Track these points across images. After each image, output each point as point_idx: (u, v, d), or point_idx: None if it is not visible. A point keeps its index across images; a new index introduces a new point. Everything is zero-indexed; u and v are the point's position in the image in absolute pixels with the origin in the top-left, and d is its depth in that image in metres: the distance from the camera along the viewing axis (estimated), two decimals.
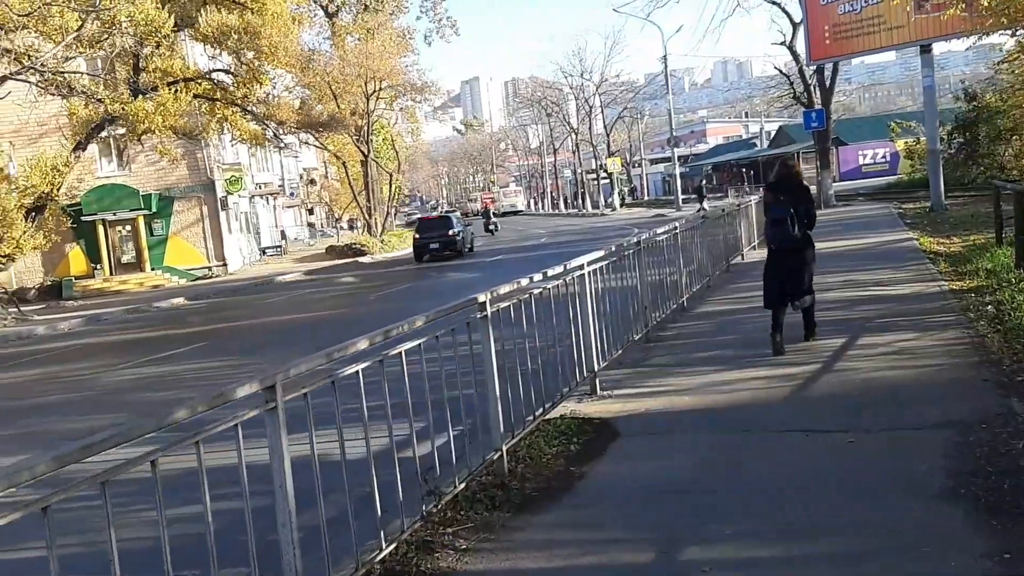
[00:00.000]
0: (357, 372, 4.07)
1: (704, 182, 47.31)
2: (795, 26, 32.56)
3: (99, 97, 23.70)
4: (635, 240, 9.23)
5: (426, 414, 4.74)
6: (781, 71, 36.54)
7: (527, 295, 6.17)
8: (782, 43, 33.97)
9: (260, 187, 46.73)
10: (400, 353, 4.44)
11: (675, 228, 11.16)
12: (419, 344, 4.64)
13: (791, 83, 35.46)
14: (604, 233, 34.85)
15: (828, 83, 32.49)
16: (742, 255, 16.35)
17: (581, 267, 7.37)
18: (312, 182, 64.64)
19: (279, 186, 53.17)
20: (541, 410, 6.18)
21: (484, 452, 5.29)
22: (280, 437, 3.42)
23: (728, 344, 8.83)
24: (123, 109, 23.58)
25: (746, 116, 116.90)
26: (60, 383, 12.76)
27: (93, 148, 33.78)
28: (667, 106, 52.15)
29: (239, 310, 21.87)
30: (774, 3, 33.64)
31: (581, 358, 7.16)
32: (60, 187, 25.69)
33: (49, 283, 33.78)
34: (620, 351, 8.25)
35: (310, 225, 66.83)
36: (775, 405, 6.43)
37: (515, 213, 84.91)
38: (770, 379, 7.17)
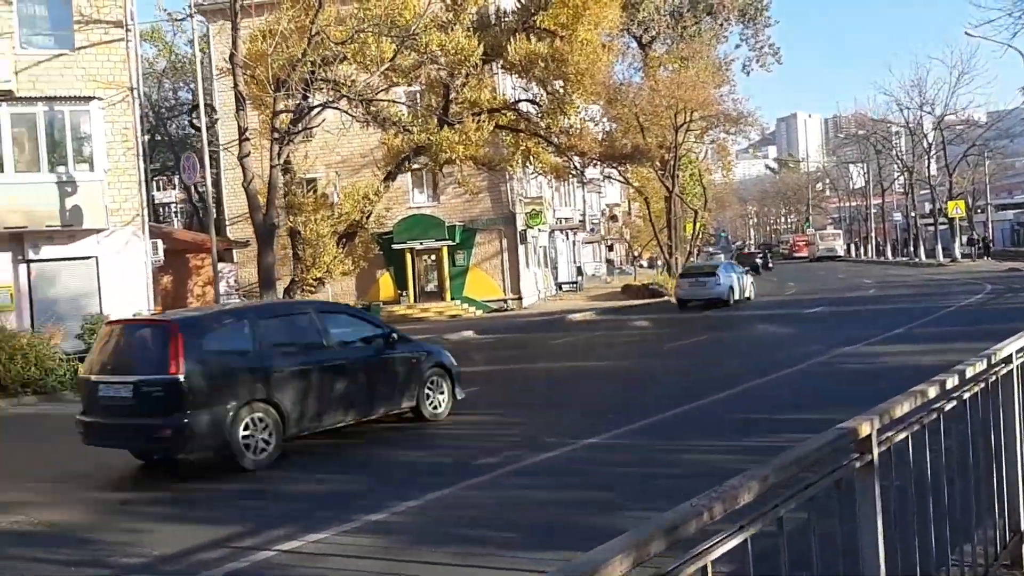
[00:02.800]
0: None
1: None
2: None
3: (408, 127, 23.86)
4: None
5: None
6: None
7: (934, 415, 3.45)
8: None
9: (561, 222, 46.29)
10: (705, 568, 2.03)
11: None
12: (744, 541, 2.18)
13: None
14: (948, 288, 29.45)
15: None
16: None
17: (1008, 359, 4.45)
18: (613, 218, 63.71)
19: (580, 221, 52.61)
20: None
21: None
22: None
23: None
24: (429, 139, 23.49)
25: None
26: None
27: (407, 179, 35.05)
28: None
29: (522, 350, 20.57)
30: None
31: (1004, 519, 4.25)
32: (370, 215, 26.27)
33: (360, 306, 35.38)
34: None
35: (608, 262, 65.92)
36: None
37: (833, 258, 78.10)
38: None
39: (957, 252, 54.31)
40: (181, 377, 8.26)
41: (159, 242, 22.05)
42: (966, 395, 3.75)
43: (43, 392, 16.03)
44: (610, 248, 68.23)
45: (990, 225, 77.09)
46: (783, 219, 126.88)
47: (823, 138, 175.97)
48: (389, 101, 23.84)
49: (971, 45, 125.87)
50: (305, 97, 22.82)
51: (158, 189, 60.91)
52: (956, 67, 70.35)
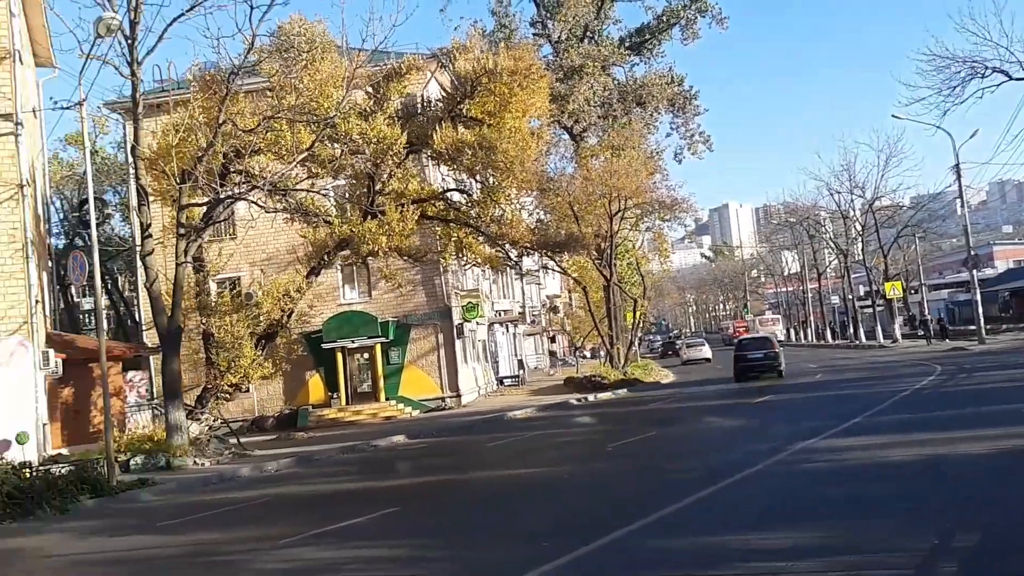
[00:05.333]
0: None
1: None
2: None
3: (328, 218, 22.49)
4: None
5: None
6: None
7: None
8: None
9: (500, 314, 44.96)
10: None
11: None
12: None
13: None
14: (897, 371, 28.63)
15: None
16: None
17: None
18: (554, 309, 62.70)
19: (519, 313, 51.37)
20: None
21: None
22: None
23: None
24: (352, 231, 22.13)
25: None
26: (198, 567, 9.77)
27: (337, 276, 33.49)
28: (962, 223, 44.97)
29: (455, 456, 18.77)
30: None
31: None
32: (291, 313, 24.58)
33: (287, 412, 33.17)
34: None
35: (551, 354, 64.62)
36: None
37: None
38: None
39: (898, 333, 54.35)
40: (777, 350, 32.00)
41: (51, 352, 19.87)
42: None
43: None
44: (552, 339, 67.08)
45: (925, 305, 78.25)
46: (722, 306, 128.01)
47: (755, 225, 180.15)
48: (305, 191, 22.47)
49: (898, 128, 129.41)
50: (215, 190, 21.34)
51: (82, 295, 57.95)
52: (883, 151, 71.79)
